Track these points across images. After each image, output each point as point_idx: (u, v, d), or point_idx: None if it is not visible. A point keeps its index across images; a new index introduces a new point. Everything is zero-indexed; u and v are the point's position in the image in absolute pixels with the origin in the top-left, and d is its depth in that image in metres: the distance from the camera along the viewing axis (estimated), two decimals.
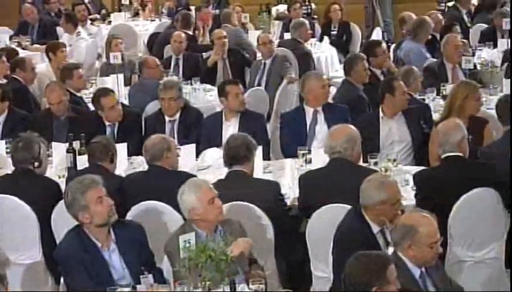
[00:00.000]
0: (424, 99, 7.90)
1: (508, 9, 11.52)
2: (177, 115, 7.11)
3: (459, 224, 5.24)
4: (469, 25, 12.19)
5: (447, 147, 5.41)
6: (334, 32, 12.55)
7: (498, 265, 5.35)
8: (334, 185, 5.25)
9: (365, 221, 4.61)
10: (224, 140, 6.79)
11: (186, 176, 5.25)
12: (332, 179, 5.30)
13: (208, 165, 6.41)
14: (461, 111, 6.41)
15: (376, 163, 6.11)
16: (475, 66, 8.62)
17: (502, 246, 5.36)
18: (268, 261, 5.12)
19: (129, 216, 5.21)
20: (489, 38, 10.60)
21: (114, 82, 8.66)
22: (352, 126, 5.65)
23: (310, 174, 5.55)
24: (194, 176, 5.40)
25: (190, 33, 10.88)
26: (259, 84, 9.26)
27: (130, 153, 6.53)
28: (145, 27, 13.10)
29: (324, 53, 11.24)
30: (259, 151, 6.18)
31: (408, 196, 5.57)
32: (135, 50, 11.87)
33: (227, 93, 6.94)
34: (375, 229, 4.63)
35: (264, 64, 9.42)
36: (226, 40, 9.75)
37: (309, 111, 7.03)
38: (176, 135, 6.99)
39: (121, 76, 8.77)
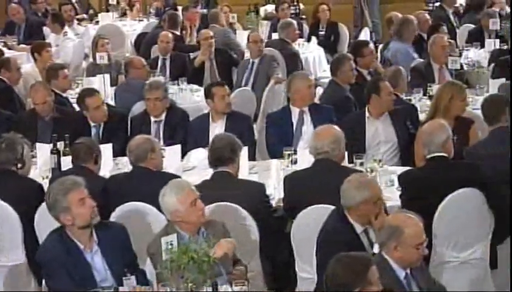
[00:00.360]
0: (410, 99, 7.91)
1: (496, 9, 11.58)
2: (163, 116, 7.10)
3: (444, 224, 5.24)
4: (455, 25, 12.24)
5: (432, 148, 5.41)
6: (322, 32, 12.55)
7: (483, 266, 5.35)
8: (319, 185, 5.24)
9: (348, 222, 4.61)
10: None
11: (171, 177, 5.21)
12: (317, 180, 5.29)
13: (193, 166, 6.39)
14: (446, 111, 6.42)
15: (361, 164, 6.11)
16: (461, 66, 8.64)
17: (487, 247, 5.36)
18: (253, 262, 5.12)
19: (113, 217, 5.19)
20: (476, 38, 10.60)
21: (100, 82, 8.64)
22: (336, 127, 5.65)
23: (295, 174, 5.55)
24: (179, 177, 5.38)
25: (177, 33, 10.86)
26: (246, 84, 9.25)
27: (115, 154, 6.50)
28: (133, 27, 13.07)
29: (312, 53, 11.24)
30: (244, 152, 6.20)
31: (393, 196, 5.59)
32: (123, 50, 11.84)
33: (213, 95, 6.93)
34: (359, 229, 4.63)
35: (252, 63, 9.41)
36: (213, 40, 9.73)
37: (295, 111, 7.03)
38: (161, 136, 6.98)
39: (107, 76, 8.75)
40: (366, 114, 6.87)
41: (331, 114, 7.05)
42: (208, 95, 6.99)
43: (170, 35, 9.95)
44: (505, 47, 9.09)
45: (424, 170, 5.48)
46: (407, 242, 4.10)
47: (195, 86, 9.06)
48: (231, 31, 11.26)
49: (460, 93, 6.49)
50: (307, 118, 6.99)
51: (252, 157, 6.78)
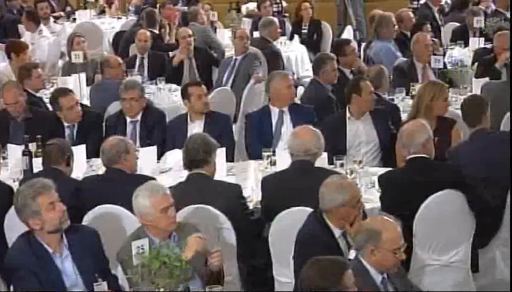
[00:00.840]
0: (393, 99, 7.92)
1: (482, 7, 11.62)
2: (139, 116, 7.07)
3: (424, 226, 5.24)
4: (440, 23, 12.27)
5: (412, 148, 5.41)
6: (305, 31, 12.54)
7: (464, 269, 5.36)
8: (296, 187, 5.23)
9: (326, 225, 4.60)
10: None
11: (145, 179, 5.16)
12: (295, 182, 5.28)
13: (169, 168, 6.36)
14: (428, 111, 6.42)
15: (342, 165, 6.11)
16: (445, 65, 8.65)
17: (468, 249, 5.37)
18: (230, 266, 5.08)
19: (85, 220, 5.16)
20: (460, 36, 10.64)
21: (76, 82, 8.60)
22: (314, 128, 5.62)
23: (272, 176, 5.53)
24: (153, 179, 5.33)
25: (156, 31, 10.81)
26: (227, 82, 9.23)
27: (89, 155, 6.47)
28: (111, 25, 13.02)
29: (294, 52, 11.22)
30: (222, 153, 6.18)
31: (374, 198, 5.58)
32: (100, 49, 11.77)
33: (190, 95, 6.91)
34: (337, 232, 4.61)
35: (235, 60, 9.38)
36: (191, 39, 9.69)
37: (274, 112, 7.02)
38: (137, 137, 6.95)
39: (83, 75, 8.71)
40: (347, 114, 6.86)
41: (311, 114, 7.05)
42: (184, 95, 6.96)
43: (148, 33, 9.92)
44: (489, 45, 9.09)
45: (404, 171, 5.47)
46: (384, 246, 4.10)
47: (174, 86, 9.02)
48: (211, 29, 11.23)
49: (442, 93, 6.49)
50: (287, 118, 6.98)
51: (230, 158, 6.77)
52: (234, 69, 9.30)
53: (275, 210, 5.22)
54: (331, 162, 6.16)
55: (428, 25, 10.18)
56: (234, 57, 9.42)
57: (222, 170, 6.09)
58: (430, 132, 5.50)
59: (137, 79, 8.65)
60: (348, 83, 7.06)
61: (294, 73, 10.92)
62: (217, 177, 5.89)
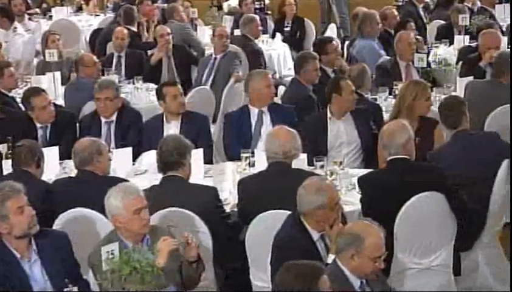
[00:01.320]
0: (376, 99, 7.92)
1: (468, 4, 11.65)
2: (114, 116, 7.04)
3: (405, 229, 5.23)
4: (425, 21, 12.29)
5: (392, 149, 5.40)
6: (288, 28, 12.55)
7: (445, 272, 5.36)
8: (273, 189, 5.21)
9: (304, 228, 4.59)
10: None
11: (119, 182, 5.14)
12: (272, 184, 5.26)
13: (145, 170, 6.33)
14: (410, 111, 6.43)
15: (322, 166, 6.11)
16: (429, 64, 8.66)
17: (450, 252, 5.37)
18: (206, 270, 5.05)
19: (56, 224, 5.12)
20: (445, 34, 10.65)
21: (50, 81, 8.55)
22: (289, 128, 5.60)
23: (249, 178, 5.52)
24: (127, 181, 5.31)
25: (134, 29, 10.77)
26: (206, 81, 9.20)
27: (63, 157, 6.42)
28: (89, 22, 12.95)
29: (276, 50, 11.22)
30: (199, 154, 6.16)
31: (354, 200, 5.58)
32: (77, 47, 11.70)
33: (165, 95, 6.88)
34: (315, 235, 4.60)
35: (215, 59, 9.36)
36: (170, 37, 9.68)
37: (254, 112, 7.01)
38: (112, 138, 6.93)
39: (58, 74, 8.66)
40: (328, 114, 6.86)
41: (291, 114, 7.05)
42: (159, 95, 6.94)
43: (125, 31, 9.88)
44: (474, 43, 9.11)
45: (384, 172, 5.47)
46: (365, 252, 4.09)
47: (151, 85, 8.97)
48: (190, 27, 11.19)
49: (424, 93, 6.50)
50: (266, 118, 6.98)
51: (209, 159, 6.75)
52: (214, 68, 9.28)
53: (252, 213, 5.21)
54: (311, 163, 6.17)
55: (412, 23, 10.19)
56: (213, 56, 9.39)
57: (199, 171, 6.07)
58: (411, 132, 5.50)
59: (113, 78, 8.65)
60: (329, 82, 7.06)
61: (275, 72, 10.94)
62: (194, 179, 5.87)
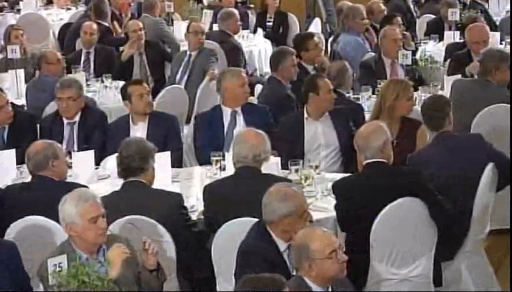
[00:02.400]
0: (358, 98, 7.88)
1: None
2: (77, 117, 6.97)
3: (381, 237, 5.20)
4: (416, 15, 12.27)
5: (368, 153, 5.37)
6: (270, 23, 12.51)
7: (425, 283, 5.32)
8: (241, 196, 5.16)
9: (270, 238, 4.54)
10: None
11: (77, 188, 5.09)
12: (240, 190, 5.21)
13: (108, 174, 6.28)
14: (391, 112, 6.40)
15: (297, 171, 6.07)
16: (415, 61, 8.61)
17: (429, 262, 5.33)
18: (169, 281, 5.02)
19: (8, 233, 5.06)
20: (435, 30, 10.64)
21: (13, 79, 8.48)
22: (260, 131, 5.56)
23: (215, 184, 5.46)
24: (86, 187, 5.27)
25: (105, 24, 10.72)
26: (181, 79, 9.15)
27: (22, 160, 6.34)
28: (59, 16, 12.91)
29: (257, 46, 11.19)
30: (167, 157, 6.11)
31: (329, 207, 5.55)
32: (47, 43, 11.63)
33: (130, 95, 6.82)
34: (282, 246, 4.55)
35: (190, 56, 9.30)
36: (142, 32, 9.62)
37: (226, 112, 6.97)
38: (75, 140, 6.87)
39: (21, 72, 8.58)
40: (305, 114, 6.82)
41: (266, 115, 7.02)
42: (124, 95, 6.87)
43: (95, 26, 9.82)
44: (463, 40, 9.09)
45: (360, 177, 5.43)
46: (316, 256, 4.07)
47: (122, 83, 8.89)
48: (164, 22, 11.12)
49: (406, 92, 6.46)
50: (240, 119, 6.93)
51: (178, 163, 6.70)
52: (188, 65, 9.23)
53: (218, 221, 5.17)
54: (286, 166, 6.12)
55: (399, 18, 10.15)
56: (188, 52, 9.33)
57: (166, 176, 6.03)
58: (388, 134, 5.46)
59: (80, 76, 8.60)
60: (305, 80, 7.02)
61: (256, 70, 10.91)
62: (161, 184, 5.81)
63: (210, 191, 5.38)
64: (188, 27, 9.59)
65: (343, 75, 7.55)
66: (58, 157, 5.38)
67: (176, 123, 6.97)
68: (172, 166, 6.28)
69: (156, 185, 5.90)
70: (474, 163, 5.63)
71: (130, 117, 6.90)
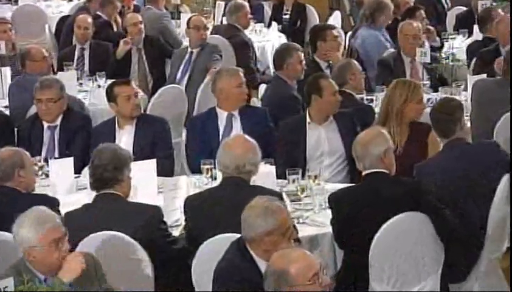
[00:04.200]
0: (372, 99, 7.77)
1: None
2: (58, 121, 6.91)
3: (381, 255, 5.12)
4: (447, 7, 12.12)
5: (367, 162, 5.28)
6: (287, 16, 12.44)
7: None
8: (226, 210, 5.07)
9: (250, 257, 4.44)
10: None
11: (44, 200, 5.09)
12: (224, 203, 5.12)
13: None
14: (399, 116, 6.32)
15: (295, 181, 5.98)
16: (436, 59, 8.47)
17: (436, 284, 5.24)
18: None
19: None
20: (465, 24, 10.49)
21: None
22: (249, 138, 5.47)
23: (197, 196, 5.37)
24: (54, 200, 5.25)
25: (105, 17, 10.68)
26: (182, 78, 9.08)
27: None
28: (59, 8, 12.90)
29: (270, 42, 11.11)
30: (152, 165, 6.04)
31: (326, 221, 5.47)
32: (44, 38, 11.62)
33: (116, 96, 6.74)
34: (263, 266, 4.41)
35: (191, 53, 9.24)
36: (142, 26, 9.58)
37: (222, 115, 6.89)
38: (56, 146, 6.82)
39: (6, 69, 8.56)
40: (307, 118, 6.72)
41: (265, 118, 6.96)
42: (110, 96, 6.80)
43: (89, 19, 9.77)
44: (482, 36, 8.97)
45: (358, 189, 5.36)
46: (297, 281, 3.95)
47: None
48: (169, 16, 11.07)
49: (415, 94, 6.36)
50: (236, 123, 6.85)
51: (169, 171, 6.62)
52: (190, 63, 9.17)
53: (201, 237, 5.09)
54: (283, 175, 6.04)
55: (422, 11, 10.01)
56: (189, 49, 9.26)
57: (152, 187, 5.96)
58: (390, 142, 5.37)
59: (71, 74, 8.58)
60: (307, 81, 6.93)
61: (268, 67, 10.82)
62: (146, 196, 5.78)
63: (191, 204, 5.29)
64: (189, 21, 9.53)
65: (345, 73, 7.44)
66: (24, 166, 5.32)
67: (166, 128, 6.87)
68: (162, 176, 6.22)
69: (140, 196, 5.89)
70: (488, 174, 5.53)
71: (116, 120, 6.83)
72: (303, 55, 7.94)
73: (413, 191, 5.22)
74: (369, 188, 5.27)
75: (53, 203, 5.21)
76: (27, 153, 5.49)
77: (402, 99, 6.33)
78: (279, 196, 5.17)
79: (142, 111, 7.96)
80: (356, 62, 7.77)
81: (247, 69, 9.86)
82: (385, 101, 6.48)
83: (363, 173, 5.34)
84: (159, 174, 6.18)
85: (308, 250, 5.32)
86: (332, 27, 9.19)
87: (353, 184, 5.57)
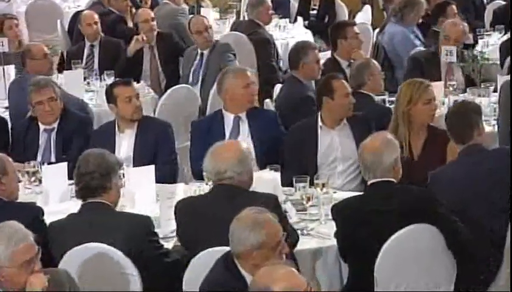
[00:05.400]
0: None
1: None
2: (56, 123, 6.87)
3: (388, 270, 5.05)
4: (486, 1, 11.96)
5: (378, 172, 5.17)
6: (314, 11, 12.35)
7: None
8: (218, 219, 4.95)
9: (238, 273, 4.36)
10: (118, 156, 6.59)
11: (28, 210, 5.05)
12: (216, 212, 5.02)
13: None
14: (407, 119, 6.22)
15: (300, 189, 5.89)
16: (462, 58, 8.34)
17: None
18: None
19: None
20: (502, 20, 10.32)
21: (0, 77, 8.46)
22: (242, 143, 5.40)
23: (188, 204, 5.27)
24: (38, 210, 5.21)
25: (117, 12, 10.67)
26: (194, 81, 9.02)
27: None
28: (76, 3, 12.90)
29: (295, 38, 10.99)
30: (151, 173, 5.98)
31: (332, 233, 5.37)
32: (57, 35, 11.63)
33: (116, 97, 6.68)
34: None
35: (201, 55, 9.19)
36: (154, 23, 9.54)
37: (228, 118, 6.81)
38: (52, 149, 6.78)
39: (10, 68, 8.55)
40: (319, 122, 6.63)
41: (275, 122, 6.87)
42: (109, 98, 6.75)
43: (96, 15, 9.73)
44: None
45: (363, 199, 5.26)
46: None
47: None
48: (186, 13, 11.02)
49: (422, 95, 6.25)
50: (244, 127, 6.77)
51: (171, 178, 6.55)
52: (201, 65, 9.10)
53: (191, 248, 5.04)
54: (290, 183, 5.96)
55: (454, 6, 9.86)
56: (199, 51, 9.21)
57: (150, 194, 5.90)
58: (398, 150, 5.26)
59: (78, 73, 8.57)
60: (319, 82, 6.84)
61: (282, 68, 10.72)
62: (144, 204, 5.80)
63: (181, 212, 5.21)
64: (189, 26, 9.42)
65: (364, 73, 7.34)
66: (6, 172, 5.26)
67: (169, 131, 6.79)
68: (163, 182, 6.17)
69: (138, 205, 5.88)
70: (504, 183, 5.38)
71: (116, 123, 6.78)
72: (319, 54, 7.84)
73: (423, 202, 5.12)
74: (374, 198, 5.17)
75: (36, 213, 5.19)
76: (10, 160, 5.44)
77: (406, 100, 6.24)
78: (274, 199, 5.10)
79: (152, 112, 8.03)
80: (375, 62, 7.67)
81: (268, 68, 9.88)
82: (395, 103, 6.39)
83: (369, 182, 5.23)
84: (160, 181, 6.16)
85: (311, 263, 5.40)
86: (353, 24, 9.11)
87: (358, 194, 5.45)
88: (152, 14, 9.69)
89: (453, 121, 5.68)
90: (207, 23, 9.38)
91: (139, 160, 6.55)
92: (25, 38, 11.67)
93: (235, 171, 5.13)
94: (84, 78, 8.75)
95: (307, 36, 11.26)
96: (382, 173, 5.18)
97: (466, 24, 9.86)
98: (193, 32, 9.26)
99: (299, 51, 7.85)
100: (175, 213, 5.28)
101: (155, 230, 5.46)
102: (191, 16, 10.29)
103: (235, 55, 9.16)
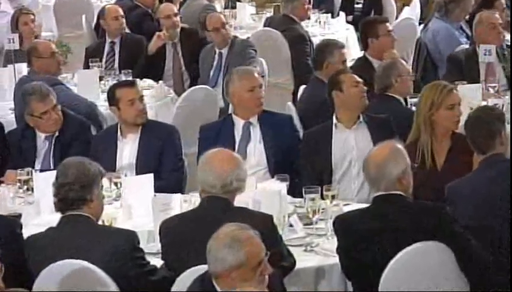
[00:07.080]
0: None
1: None
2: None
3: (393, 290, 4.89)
4: None
5: (382, 185, 5.02)
6: (359, 6, 12.23)
7: None
8: (206, 236, 4.86)
9: None
10: (119, 163, 6.56)
11: (4, 222, 5.04)
12: (205, 227, 4.87)
13: None
14: (428, 125, 6.06)
15: (312, 200, 5.75)
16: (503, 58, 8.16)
17: None
18: None
19: None
20: None
21: (11, 76, 8.47)
22: (233, 153, 5.29)
23: (173, 220, 5.18)
24: (16, 223, 5.15)
25: (144, 7, 10.64)
26: (214, 81, 8.94)
27: None
28: None
29: (335, 35, 10.89)
30: (149, 182, 5.89)
31: None
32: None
33: (118, 100, 6.62)
34: None
35: (220, 54, 9.13)
36: (177, 19, 9.47)
37: (239, 123, 6.71)
38: (51, 158, 6.74)
39: (22, 66, 8.50)
40: (334, 120, 6.52)
41: (291, 127, 6.83)
42: (111, 100, 6.68)
43: (120, 9, 9.69)
44: None
45: (367, 213, 5.11)
46: None
47: (149, 82, 8.81)
48: (214, 7, 10.96)
49: (444, 99, 6.09)
50: (255, 132, 6.67)
51: (176, 187, 6.46)
52: (222, 65, 9.04)
53: (178, 266, 4.93)
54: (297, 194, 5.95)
55: (503, 1, 9.63)
56: (217, 50, 9.14)
57: (147, 206, 5.78)
58: (407, 159, 5.11)
59: (94, 73, 8.53)
60: (328, 79, 6.76)
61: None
62: (140, 216, 5.77)
63: (166, 228, 5.11)
64: (205, 21, 9.32)
65: (391, 74, 7.20)
66: None
67: (176, 136, 6.71)
68: (168, 191, 6.04)
69: (135, 216, 5.85)
70: None
71: (118, 127, 6.71)
72: (345, 53, 7.71)
73: (433, 217, 4.98)
74: (379, 213, 5.03)
75: (13, 226, 5.15)
76: None
77: (428, 105, 6.09)
78: (270, 220, 4.99)
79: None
80: (403, 62, 7.52)
81: (303, 66, 9.76)
82: (416, 109, 6.26)
83: (375, 195, 5.10)
84: (165, 190, 6.06)
85: (314, 282, 5.28)
86: (385, 20, 8.95)
87: (362, 207, 5.30)
88: (175, 10, 9.67)
89: (473, 129, 5.49)
90: (223, 20, 9.30)
91: (142, 167, 6.48)
92: (53, 33, 11.79)
93: (238, 180, 5.06)
94: (102, 78, 8.69)
95: (349, 32, 11.14)
96: (386, 187, 5.04)
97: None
98: (209, 29, 9.17)
99: (324, 50, 7.78)
100: (160, 236, 5.17)
101: (151, 244, 5.43)
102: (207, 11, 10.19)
103: (255, 50, 9.05)
